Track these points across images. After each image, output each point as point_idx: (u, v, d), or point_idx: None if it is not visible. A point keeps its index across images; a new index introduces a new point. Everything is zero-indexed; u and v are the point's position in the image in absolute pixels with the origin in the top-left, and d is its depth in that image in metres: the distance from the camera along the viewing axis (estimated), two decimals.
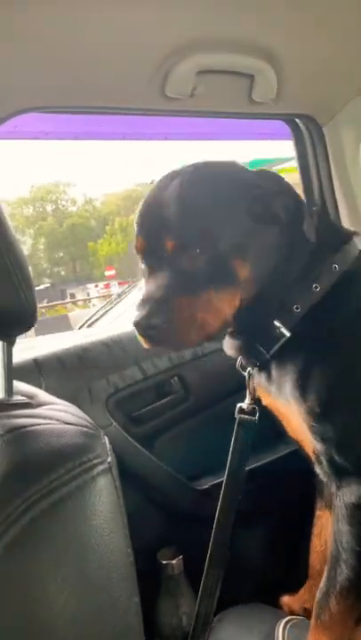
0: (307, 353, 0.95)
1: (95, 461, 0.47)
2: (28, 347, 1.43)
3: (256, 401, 1.09)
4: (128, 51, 1.12)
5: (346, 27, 1.26)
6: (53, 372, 1.26)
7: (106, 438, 0.53)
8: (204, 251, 0.91)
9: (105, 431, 1.24)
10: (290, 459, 1.06)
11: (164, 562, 1.28)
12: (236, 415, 1.10)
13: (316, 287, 0.96)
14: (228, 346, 1.06)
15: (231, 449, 1.10)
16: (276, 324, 0.97)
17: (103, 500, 0.46)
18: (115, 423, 1.28)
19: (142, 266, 1.00)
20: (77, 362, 1.29)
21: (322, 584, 0.91)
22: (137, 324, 0.90)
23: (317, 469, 0.96)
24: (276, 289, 0.98)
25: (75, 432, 0.49)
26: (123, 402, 1.32)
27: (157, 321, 0.89)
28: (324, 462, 0.93)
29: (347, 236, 1.03)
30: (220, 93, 1.29)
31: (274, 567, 1.44)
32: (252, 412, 1.09)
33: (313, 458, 0.96)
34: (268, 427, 1.06)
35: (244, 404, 1.10)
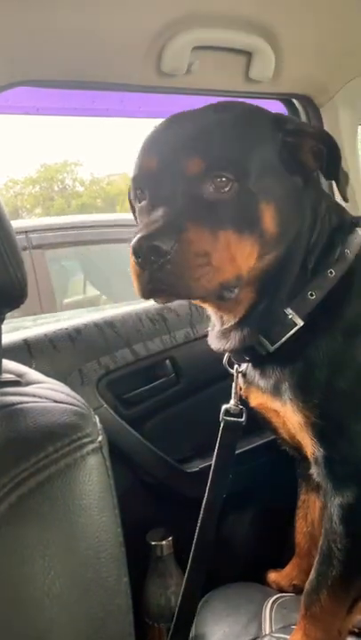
0: (314, 346, 0.86)
1: (85, 440, 0.47)
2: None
3: (243, 401, 1.03)
4: (122, 23, 1.09)
5: (346, 7, 1.24)
6: (44, 353, 1.25)
7: (97, 417, 0.52)
8: (232, 180, 0.77)
9: (95, 413, 1.25)
10: (278, 442, 1.05)
11: (153, 543, 1.28)
12: (222, 418, 1.04)
13: (331, 273, 0.87)
14: (219, 337, 0.95)
15: (216, 452, 1.05)
16: (288, 311, 0.87)
17: (93, 480, 0.45)
18: (105, 405, 1.27)
19: (139, 204, 0.85)
20: (69, 343, 1.27)
21: (312, 577, 0.91)
22: (137, 247, 0.73)
23: (313, 470, 0.91)
24: (300, 266, 0.88)
25: (65, 410, 0.48)
26: (114, 384, 1.31)
27: (163, 245, 0.72)
28: (322, 464, 0.88)
29: (355, 220, 0.95)
30: (216, 71, 1.27)
31: (262, 546, 1.46)
32: (238, 414, 1.03)
33: (311, 459, 0.90)
34: (256, 411, 1.03)
35: (230, 406, 1.03)
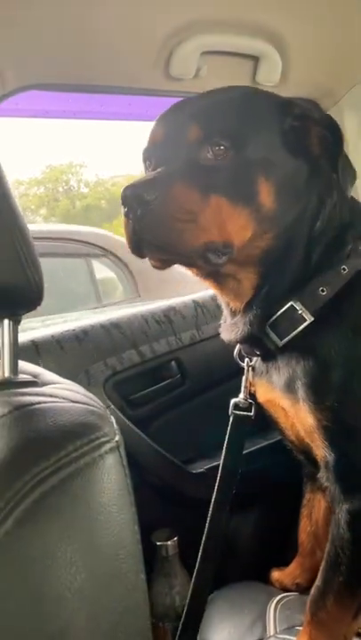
0: (328, 344, 0.85)
1: (103, 439, 0.48)
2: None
3: (252, 396, 1.02)
4: (131, 28, 1.10)
5: (352, 12, 1.25)
6: (51, 354, 1.26)
7: (112, 417, 0.53)
8: (229, 148, 0.81)
9: None
10: (282, 443, 1.06)
11: (158, 543, 1.29)
12: (231, 412, 1.03)
13: (344, 269, 0.86)
14: (229, 329, 0.95)
15: (225, 446, 1.04)
16: (297, 306, 0.86)
17: (111, 478, 0.46)
18: (112, 406, 1.29)
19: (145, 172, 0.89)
20: (76, 344, 1.29)
21: (318, 582, 0.90)
22: (123, 196, 0.77)
23: (322, 473, 0.89)
24: (302, 255, 0.87)
25: (82, 410, 0.49)
26: (120, 385, 1.32)
27: (146, 194, 0.76)
28: (332, 468, 0.86)
29: None
30: (224, 75, 1.28)
31: (265, 546, 1.47)
32: (247, 409, 1.02)
33: (320, 463, 0.88)
34: (262, 411, 1.03)
35: (239, 400, 1.02)
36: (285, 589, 1.22)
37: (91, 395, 0.55)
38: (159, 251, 0.83)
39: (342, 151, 0.84)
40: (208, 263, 0.83)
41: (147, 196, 0.76)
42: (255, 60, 1.26)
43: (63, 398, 0.51)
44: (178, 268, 0.92)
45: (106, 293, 3.50)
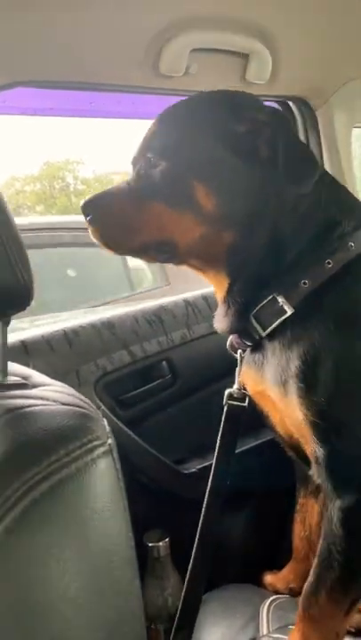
0: (313, 338, 0.85)
1: (95, 443, 0.46)
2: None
3: (245, 387, 1.03)
4: (121, 25, 1.09)
5: (342, 11, 1.24)
6: (41, 355, 1.24)
7: (105, 420, 0.52)
8: (162, 159, 0.91)
9: None
10: (275, 442, 1.05)
11: (150, 544, 1.28)
12: (225, 402, 1.04)
13: (328, 263, 0.87)
14: (219, 319, 0.99)
15: (219, 437, 1.05)
16: (279, 298, 0.88)
17: (104, 483, 0.45)
18: (103, 406, 1.27)
19: None
20: (66, 344, 1.27)
21: (311, 579, 0.89)
22: (81, 206, 0.97)
23: (313, 470, 0.88)
24: (269, 250, 0.90)
25: (74, 413, 0.48)
26: (111, 385, 1.31)
27: (88, 208, 0.95)
28: (323, 464, 0.85)
29: None
30: (213, 72, 1.27)
31: (258, 548, 1.46)
32: (241, 399, 1.03)
33: (311, 459, 0.88)
34: (253, 410, 1.03)
35: (233, 390, 1.04)
36: (278, 594, 1.21)
37: (82, 396, 0.54)
38: (110, 248, 0.98)
39: (290, 149, 0.87)
40: (154, 259, 0.98)
41: (87, 209, 0.96)
42: (245, 57, 1.26)
43: (54, 401, 0.50)
44: None
45: (137, 282, 3.66)
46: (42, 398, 0.50)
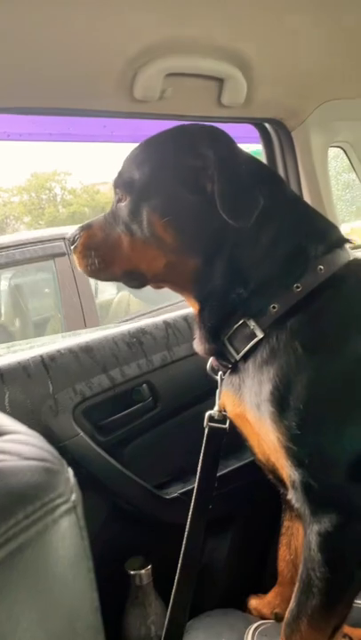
0: (282, 361, 0.87)
1: (58, 501, 0.45)
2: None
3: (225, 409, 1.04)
4: (95, 50, 1.08)
5: (316, 34, 1.25)
6: (17, 382, 1.22)
7: (70, 472, 0.50)
8: (127, 195, 0.99)
9: (72, 441, 1.24)
10: (256, 464, 1.04)
11: (132, 572, 1.26)
12: (206, 424, 1.05)
13: (297, 287, 0.90)
14: (198, 343, 1.01)
15: (201, 459, 1.06)
16: (250, 323, 0.91)
17: (66, 544, 0.43)
18: (82, 433, 1.25)
19: None
20: (43, 370, 1.25)
21: (292, 606, 0.89)
22: (69, 235, 1.07)
23: (290, 494, 0.88)
24: (232, 277, 0.93)
25: (35, 469, 0.46)
26: (90, 411, 1.29)
27: (79, 232, 1.05)
28: (299, 489, 0.85)
29: (339, 240, 0.97)
30: (189, 97, 1.27)
31: (242, 572, 1.45)
32: (222, 421, 1.05)
33: (288, 483, 0.88)
34: (236, 431, 1.03)
35: (214, 412, 1.05)
36: (263, 618, 1.20)
37: (48, 447, 0.52)
38: (90, 275, 1.07)
39: (228, 185, 0.90)
40: (128, 285, 1.05)
41: (70, 239, 1.06)
42: (220, 81, 1.26)
43: (17, 455, 0.48)
44: None
45: None
46: (3, 452, 0.48)
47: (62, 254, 3.46)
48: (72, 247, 1.06)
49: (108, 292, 4.27)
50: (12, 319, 3.85)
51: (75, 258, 1.07)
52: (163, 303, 3.49)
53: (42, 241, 3.53)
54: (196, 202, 0.93)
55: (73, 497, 0.47)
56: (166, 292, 1.10)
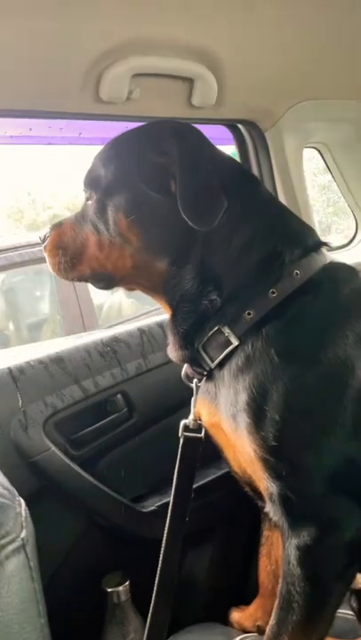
0: (258, 370, 0.84)
1: (4, 541, 0.40)
2: None
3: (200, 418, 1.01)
4: (59, 50, 1.04)
5: (286, 34, 1.23)
6: None
7: (22, 504, 0.46)
8: (93, 194, 0.97)
9: (43, 456, 1.19)
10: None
11: (109, 590, 1.22)
12: (181, 434, 1.02)
13: (273, 292, 0.87)
14: (171, 349, 0.98)
15: (177, 470, 1.02)
16: (225, 330, 0.88)
17: (12, 589, 0.39)
18: (53, 447, 1.20)
19: None
20: (11, 383, 1.20)
21: (272, 622, 0.86)
22: (41, 235, 1.05)
23: (268, 507, 0.86)
24: (203, 282, 0.90)
25: None
26: (62, 424, 1.24)
27: (50, 231, 1.03)
28: (277, 501, 0.83)
29: (315, 244, 0.94)
30: (158, 97, 1.24)
31: (223, 585, 1.41)
32: (197, 430, 1.01)
33: (265, 496, 0.86)
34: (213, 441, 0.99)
35: (189, 421, 1.02)
36: (245, 631, 1.17)
37: (1, 477, 0.48)
38: (59, 275, 1.03)
39: (191, 186, 0.86)
40: (95, 286, 1.03)
41: (41, 239, 1.04)
42: (190, 81, 1.22)
43: None
44: None
45: None
46: None
47: None
48: (43, 246, 1.04)
49: (104, 293, 4.19)
50: (6, 322, 3.78)
51: (46, 257, 1.04)
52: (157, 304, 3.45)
53: (39, 243, 3.49)
54: (162, 201, 0.90)
55: (23, 534, 0.42)
56: None
